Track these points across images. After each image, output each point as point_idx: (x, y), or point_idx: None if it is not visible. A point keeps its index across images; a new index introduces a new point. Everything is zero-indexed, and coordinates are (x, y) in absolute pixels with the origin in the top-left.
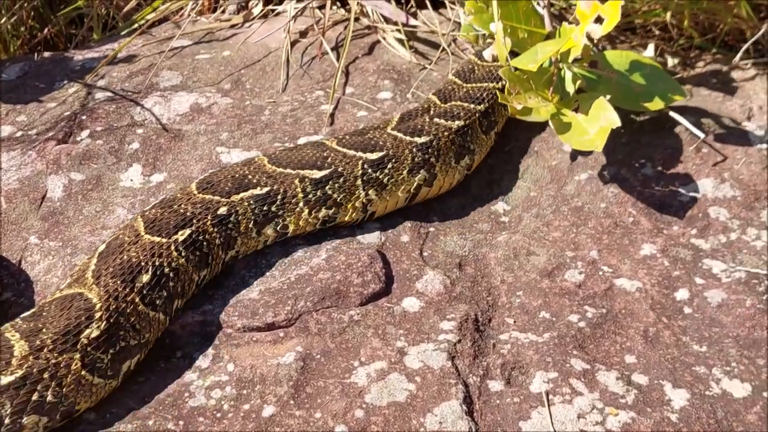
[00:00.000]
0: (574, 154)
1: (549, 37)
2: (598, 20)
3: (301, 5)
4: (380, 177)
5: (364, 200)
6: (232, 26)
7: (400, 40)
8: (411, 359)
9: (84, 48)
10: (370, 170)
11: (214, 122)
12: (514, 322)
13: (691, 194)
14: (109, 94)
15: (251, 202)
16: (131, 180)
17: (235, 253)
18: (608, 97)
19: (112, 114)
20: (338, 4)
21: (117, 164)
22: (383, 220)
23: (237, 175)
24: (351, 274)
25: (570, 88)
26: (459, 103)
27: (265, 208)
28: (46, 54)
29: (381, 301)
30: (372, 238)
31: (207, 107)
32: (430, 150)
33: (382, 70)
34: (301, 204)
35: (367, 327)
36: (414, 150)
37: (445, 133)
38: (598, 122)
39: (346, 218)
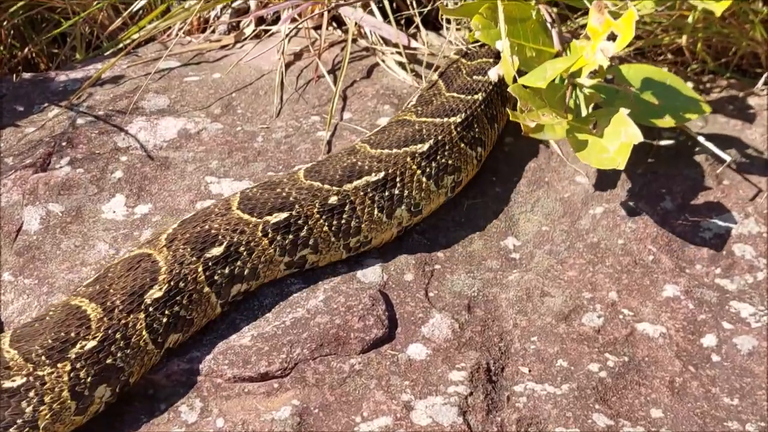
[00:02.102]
0: (589, 186)
1: (558, 56)
2: (611, 37)
3: (295, 25)
4: (475, 135)
5: (478, 157)
6: (223, 47)
7: (401, 63)
8: (418, 414)
9: (66, 69)
10: (463, 132)
11: (204, 149)
12: (530, 371)
13: (714, 230)
14: (92, 118)
15: (369, 189)
16: (114, 212)
17: (362, 240)
18: (627, 111)
19: (94, 140)
20: (334, 24)
21: (99, 195)
22: (385, 255)
23: (345, 163)
24: (351, 317)
25: (585, 104)
26: (484, 59)
27: (388, 193)
28: (26, 75)
29: (384, 348)
30: (373, 276)
31: (196, 133)
32: (489, 103)
33: (382, 95)
34: (423, 179)
35: (370, 377)
36: (482, 107)
37: (489, 86)
38: (619, 138)
39: (469, 176)
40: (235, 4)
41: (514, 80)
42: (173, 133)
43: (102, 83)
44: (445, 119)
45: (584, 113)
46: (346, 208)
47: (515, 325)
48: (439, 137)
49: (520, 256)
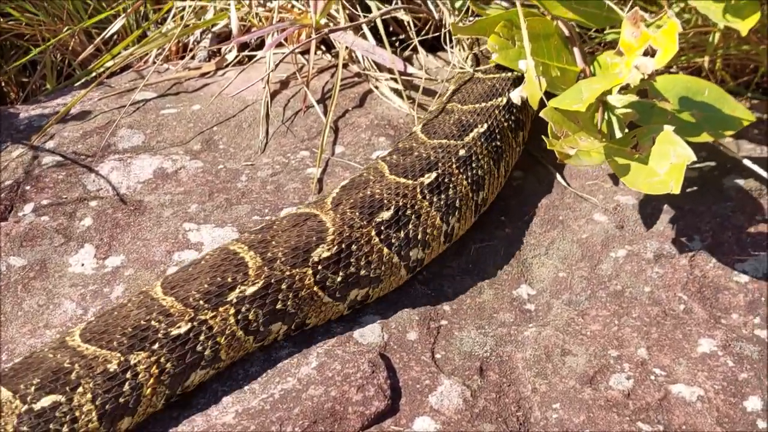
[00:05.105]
0: (608, 225)
1: (583, 74)
2: (647, 52)
3: (281, 51)
4: None
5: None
6: (203, 75)
7: (396, 90)
8: None
9: (32, 102)
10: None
11: (182, 191)
12: None
13: (750, 273)
14: (59, 158)
15: (482, 140)
16: (82, 265)
17: (485, 196)
18: (672, 128)
19: (61, 183)
20: (323, 47)
21: (65, 245)
22: (385, 311)
23: (452, 120)
24: (349, 388)
25: (618, 124)
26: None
27: (494, 144)
28: None
29: (387, 424)
30: (372, 336)
31: (173, 173)
32: None
33: (376, 125)
34: (510, 135)
35: None
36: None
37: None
38: (668, 159)
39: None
40: (215, 29)
41: (541, 103)
42: (149, 173)
43: (70, 118)
44: (510, 73)
45: (618, 133)
46: (473, 158)
47: (534, 390)
48: (500, 89)
49: (536, 307)
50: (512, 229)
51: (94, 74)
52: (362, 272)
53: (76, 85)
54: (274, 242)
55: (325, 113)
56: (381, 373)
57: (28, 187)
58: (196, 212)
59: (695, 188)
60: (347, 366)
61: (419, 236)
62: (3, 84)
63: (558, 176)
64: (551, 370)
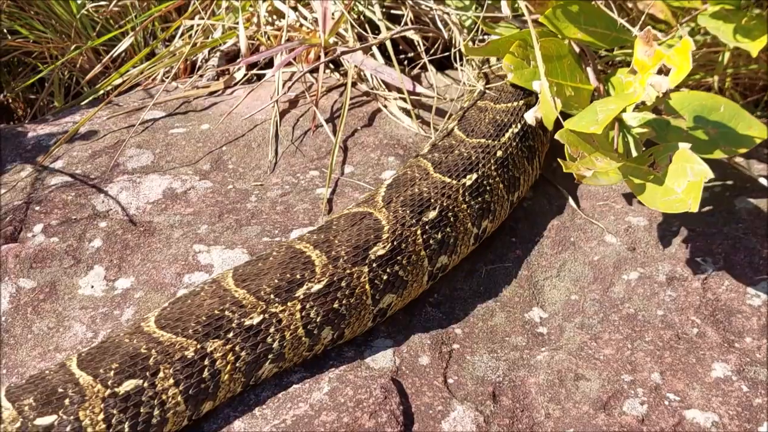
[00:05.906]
0: (620, 247)
1: (596, 93)
2: (661, 71)
3: (290, 69)
4: None
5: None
6: (212, 94)
7: (405, 109)
8: None
9: (39, 121)
10: None
11: (191, 212)
12: None
13: (763, 296)
14: (68, 178)
15: (517, 139)
16: (92, 287)
17: (519, 195)
18: (688, 145)
19: (70, 204)
20: (332, 66)
21: (75, 267)
22: (396, 335)
23: (487, 119)
24: (361, 414)
25: (636, 143)
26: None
27: (528, 143)
28: None
29: None
30: (384, 361)
31: (183, 193)
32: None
33: (386, 145)
34: (541, 132)
35: None
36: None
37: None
38: (685, 177)
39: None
40: (224, 47)
41: (557, 123)
42: (158, 194)
43: (79, 138)
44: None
45: (635, 152)
46: (509, 159)
47: (548, 415)
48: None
49: (548, 330)
50: (523, 251)
51: (102, 92)
52: (401, 272)
53: (84, 103)
54: (336, 241)
55: (334, 132)
56: (393, 398)
57: (37, 208)
58: (206, 233)
59: (707, 209)
60: (359, 391)
61: (451, 241)
62: (11, 101)
63: (569, 198)
64: (564, 395)
